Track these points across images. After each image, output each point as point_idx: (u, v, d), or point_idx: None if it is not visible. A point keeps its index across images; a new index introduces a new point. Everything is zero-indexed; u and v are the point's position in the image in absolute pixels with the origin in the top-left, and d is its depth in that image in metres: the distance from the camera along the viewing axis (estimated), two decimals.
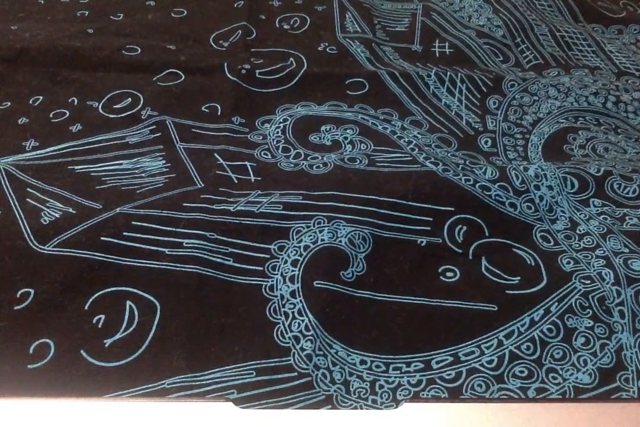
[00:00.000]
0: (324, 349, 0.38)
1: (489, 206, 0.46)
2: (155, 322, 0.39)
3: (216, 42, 0.62)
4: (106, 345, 0.38)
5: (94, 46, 0.58)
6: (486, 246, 0.44)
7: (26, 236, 0.42)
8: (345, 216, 0.44)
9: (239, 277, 0.41)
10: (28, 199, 0.45)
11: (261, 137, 0.52)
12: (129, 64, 0.57)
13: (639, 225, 0.46)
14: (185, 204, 0.45)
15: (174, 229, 0.43)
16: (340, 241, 0.43)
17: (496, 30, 0.67)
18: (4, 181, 0.46)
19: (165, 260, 0.42)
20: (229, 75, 0.57)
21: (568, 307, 0.41)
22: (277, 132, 0.52)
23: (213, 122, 0.53)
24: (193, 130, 0.52)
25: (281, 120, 0.54)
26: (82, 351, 0.37)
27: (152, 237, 0.43)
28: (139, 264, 0.41)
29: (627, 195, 0.48)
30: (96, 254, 0.41)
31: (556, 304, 0.41)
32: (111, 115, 0.53)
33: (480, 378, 0.38)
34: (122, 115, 0.53)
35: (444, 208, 0.46)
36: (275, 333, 0.39)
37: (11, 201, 0.44)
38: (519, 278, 0.42)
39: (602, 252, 0.44)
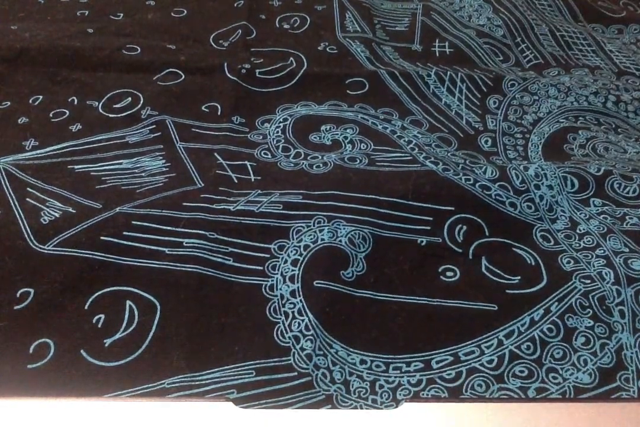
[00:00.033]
0: (324, 348, 0.38)
1: (489, 206, 0.46)
2: (155, 322, 0.39)
3: (216, 41, 0.62)
4: (106, 345, 0.38)
5: (94, 46, 0.58)
6: (486, 245, 0.44)
7: (26, 235, 0.42)
8: (345, 216, 0.44)
9: (239, 276, 0.41)
10: (28, 199, 0.45)
11: (261, 137, 0.52)
12: (129, 63, 0.57)
13: (639, 224, 0.46)
14: (185, 204, 0.45)
15: (174, 229, 0.43)
16: (340, 241, 0.43)
17: (496, 30, 0.67)
18: (4, 181, 0.46)
19: (165, 260, 0.42)
20: (229, 75, 0.57)
21: (568, 306, 0.41)
22: (277, 132, 0.52)
23: (213, 122, 0.53)
24: (193, 129, 0.52)
25: (281, 119, 0.54)
26: (82, 351, 0.37)
27: (152, 236, 0.43)
28: (139, 264, 0.41)
29: (627, 195, 0.48)
30: (96, 253, 0.41)
31: (556, 303, 0.41)
32: (111, 115, 0.53)
33: (481, 378, 0.38)
34: (122, 114, 0.53)
35: (444, 208, 0.46)
36: (275, 333, 0.39)
37: (11, 201, 0.44)
38: (519, 278, 0.42)
39: (602, 251, 0.44)
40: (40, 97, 0.54)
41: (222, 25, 0.64)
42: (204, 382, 0.36)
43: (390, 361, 0.38)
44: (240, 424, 0.35)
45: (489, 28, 0.67)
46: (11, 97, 0.53)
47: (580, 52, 0.64)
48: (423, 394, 0.37)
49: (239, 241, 0.43)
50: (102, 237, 0.42)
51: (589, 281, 0.42)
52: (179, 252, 0.42)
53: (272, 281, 0.41)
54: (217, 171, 0.48)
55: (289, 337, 0.39)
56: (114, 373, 0.36)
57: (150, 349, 0.38)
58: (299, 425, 0.35)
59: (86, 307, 0.39)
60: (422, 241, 0.44)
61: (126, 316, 0.39)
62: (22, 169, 0.47)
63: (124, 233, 0.43)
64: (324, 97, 0.56)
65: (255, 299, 0.40)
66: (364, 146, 0.52)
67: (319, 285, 0.41)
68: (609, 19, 0.69)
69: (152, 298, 0.40)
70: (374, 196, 0.46)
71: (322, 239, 0.43)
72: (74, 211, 0.44)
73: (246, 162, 0.49)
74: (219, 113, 0.54)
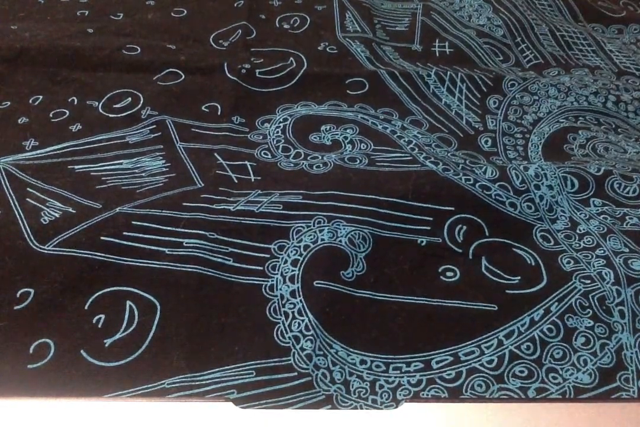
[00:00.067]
0: (324, 349, 0.38)
1: (489, 206, 0.46)
2: (155, 322, 0.39)
3: (216, 41, 0.62)
4: (106, 345, 0.38)
5: (94, 46, 0.58)
6: (486, 245, 0.44)
7: (26, 235, 0.42)
8: (345, 216, 0.44)
9: (239, 277, 0.41)
10: (28, 199, 0.45)
11: (261, 137, 0.52)
12: (129, 63, 0.57)
13: (639, 225, 0.46)
14: (185, 204, 0.45)
15: (174, 229, 0.43)
16: (340, 241, 0.43)
17: (496, 30, 0.67)
18: (4, 181, 0.46)
19: (165, 260, 0.42)
20: (229, 75, 0.57)
21: (568, 307, 0.41)
22: (277, 132, 0.52)
23: (213, 122, 0.53)
24: (193, 129, 0.52)
25: (281, 119, 0.54)
26: (82, 351, 0.37)
27: (152, 236, 0.43)
28: (139, 264, 0.41)
29: (627, 195, 0.48)
30: (96, 253, 0.41)
31: (556, 303, 0.41)
32: (111, 115, 0.53)
33: (480, 378, 0.38)
34: (122, 114, 0.53)
35: (444, 208, 0.46)
36: (275, 333, 0.39)
37: (11, 201, 0.44)
38: (519, 278, 0.42)
39: (602, 251, 0.44)
40: (40, 97, 0.54)
41: (222, 25, 0.64)
42: (204, 382, 0.36)
43: (390, 361, 0.38)
44: (240, 424, 0.35)
45: (489, 28, 0.67)
46: (11, 97, 0.53)
47: (580, 52, 0.64)
48: (423, 394, 0.37)
49: (239, 241, 0.43)
50: (102, 237, 0.42)
51: (589, 281, 0.42)
52: (179, 252, 0.42)
53: (272, 281, 0.41)
54: (217, 171, 0.48)
55: (289, 338, 0.39)
56: (114, 373, 0.36)
57: (150, 349, 0.38)
58: (299, 425, 0.35)
59: (86, 307, 0.39)
60: (422, 241, 0.44)
61: (126, 316, 0.39)
62: (22, 169, 0.47)
63: (124, 233, 0.43)
64: (324, 97, 0.56)
65: (255, 299, 0.40)
66: (364, 146, 0.52)
67: (319, 285, 0.41)
68: (609, 19, 0.69)
69: (152, 298, 0.40)
70: (374, 196, 0.46)
71: (322, 239, 0.43)
72: (74, 211, 0.44)
73: (246, 162, 0.49)
74: (219, 113, 0.54)
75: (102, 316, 0.39)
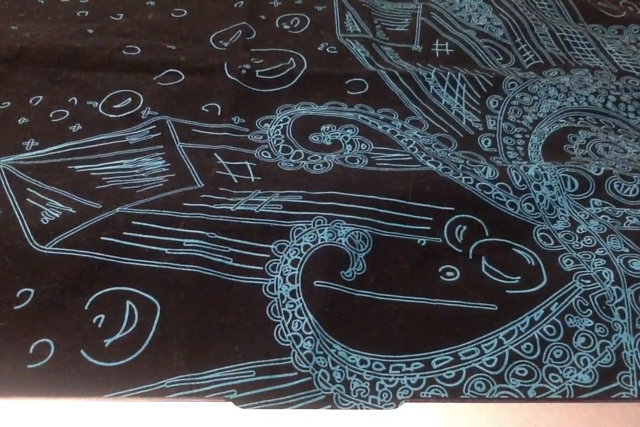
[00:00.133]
0: (324, 348, 0.38)
1: (489, 206, 0.46)
2: (155, 322, 0.39)
3: (216, 42, 0.62)
4: (106, 345, 0.38)
5: (94, 46, 0.58)
6: (486, 245, 0.44)
7: (26, 235, 0.42)
8: (345, 216, 0.44)
9: (239, 277, 0.41)
10: (28, 199, 0.45)
11: (261, 137, 0.52)
12: (129, 63, 0.57)
13: (639, 225, 0.46)
14: (185, 204, 0.45)
15: (174, 229, 0.43)
16: (340, 241, 0.43)
17: (496, 30, 0.67)
18: (4, 181, 0.46)
19: (165, 260, 0.42)
20: (229, 75, 0.57)
21: (568, 307, 0.41)
22: (277, 132, 0.52)
23: (213, 122, 0.53)
24: (193, 130, 0.52)
25: (281, 120, 0.54)
26: (82, 351, 0.37)
27: (152, 237, 0.43)
28: (139, 264, 0.41)
29: (627, 195, 0.48)
30: (96, 253, 0.41)
31: (556, 303, 0.41)
32: (111, 115, 0.53)
33: (480, 378, 0.38)
34: (122, 115, 0.53)
35: (444, 208, 0.46)
36: (275, 333, 0.39)
37: (11, 201, 0.44)
38: (519, 278, 0.42)
39: (602, 252, 0.44)
40: (40, 97, 0.54)
41: (222, 25, 0.64)
42: (204, 382, 0.36)
43: (390, 361, 0.38)
44: (240, 424, 0.35)
45: (489, 28, 0.67)
46: (11, 97, 0.54)
47: (580, 52, 0.65)
48: (423, 394, 0.37)
49: (239, 241, 0.43)
50: (102, 238, 0.42)
51: (589, 281, 0.42)
52: (179, 253, 0.42)
53: (272, 281, 0.41)
54: (217, 171, 0.48)
55: (289, 337, 0.39)
56: (114, 373, 0.36)
57: (150, 349, 0.38)
58: (299, 425, 0.35)
59: (86, 307, 0.39)
60: (422, 241, 0.44)
61: (126, 316, 0.39)
62: (22, 169, 0.47)
63: (124, 233, 0.43)
64: (324, 98, 0.56)
65: (255, 299, 0.40)
66: (364, 146, 0.52)
67: (319, 285, 0.41)
68: (609, 19, 0.69)
69: (152, 298, 0.40)
70: (374, 196, 0.46)
71: (322, 239, 0.43)
72: (74, 211, 0.44)
73: (246, 162, 0.49)
74: (219, 113, 0.54)
75: (102, 316, 0.39)
